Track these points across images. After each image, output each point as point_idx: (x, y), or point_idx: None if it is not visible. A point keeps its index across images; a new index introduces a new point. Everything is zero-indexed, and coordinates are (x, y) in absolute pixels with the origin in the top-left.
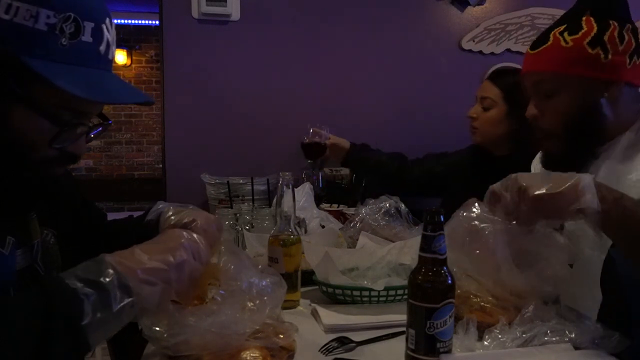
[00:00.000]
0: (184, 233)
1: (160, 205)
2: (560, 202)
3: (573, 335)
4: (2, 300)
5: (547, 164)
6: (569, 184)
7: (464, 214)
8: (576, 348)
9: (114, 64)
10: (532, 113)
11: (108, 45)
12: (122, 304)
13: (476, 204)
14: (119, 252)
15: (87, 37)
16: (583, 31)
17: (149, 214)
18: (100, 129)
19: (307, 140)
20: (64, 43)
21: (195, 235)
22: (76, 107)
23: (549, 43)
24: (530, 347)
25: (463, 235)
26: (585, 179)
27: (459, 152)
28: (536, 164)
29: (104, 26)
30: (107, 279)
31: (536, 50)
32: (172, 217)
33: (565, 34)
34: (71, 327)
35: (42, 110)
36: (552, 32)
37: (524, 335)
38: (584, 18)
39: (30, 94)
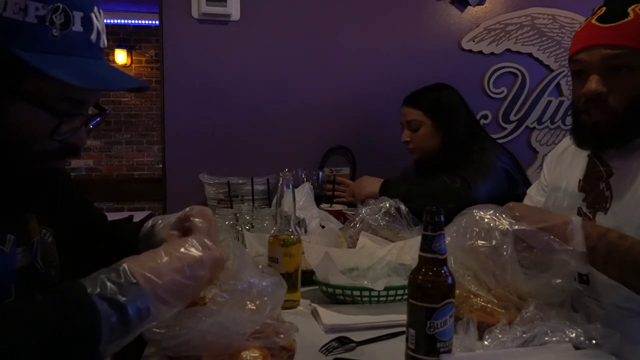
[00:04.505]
0: (203, 246)
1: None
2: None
3: (573, 335)
4: (20, 305)
5: (583, 140)
6: (560, 221)
7: (477, 212)
8: (576, 348)
9: (114, 64)
10: (598, 89)
11: (98, 34)
12: (138, 327)
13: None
14: (142, 259)
15: (77, 27)
16: None
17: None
18: (99, 118)
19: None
20: (55, 34)
21: (210, 245)
22: (73, 97)
23: (628, 18)
24: (530, 347)
25: (472, 232)
26: (576, 220)
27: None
28: (557, 151)
29: (92, 15)
30: (130, 299)
31: (611, 24)
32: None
33: None
34: (86, 348)
35: (39, 103)
36: (631, 8)
37: (524, 335)
38: None
39: (27, 88)
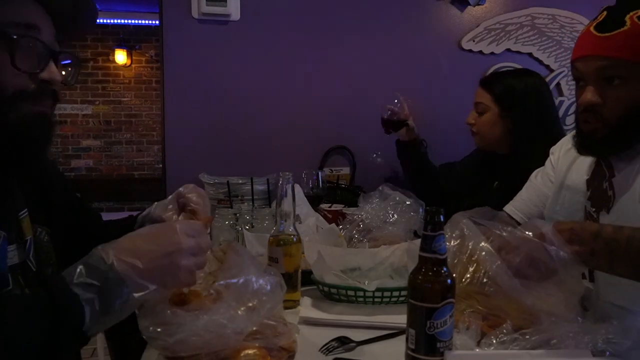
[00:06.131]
0: (183, 232)
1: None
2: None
3: (590, 340)
4: (12, 300)
5: (582, 147)
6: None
7: (468, 231)
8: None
9: (115, 64)
10: (592, 100)
11: None
12: (119, 303)
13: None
14: (119, 244)
15: None
16: None
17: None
18: (71, 60)
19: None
20: None
21: (195, 226)
22: (18, 21)
23: (625, 27)
24: (543, 350)
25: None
26: (546, 229)
27: (466, 159)
28: (563, 148)
29: None
30: (107, 280)
31: (607, 34)
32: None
33: None
34: (75, 331)
35: None
36: (628, 16)
37: (526, 337)
38: None
39: None
